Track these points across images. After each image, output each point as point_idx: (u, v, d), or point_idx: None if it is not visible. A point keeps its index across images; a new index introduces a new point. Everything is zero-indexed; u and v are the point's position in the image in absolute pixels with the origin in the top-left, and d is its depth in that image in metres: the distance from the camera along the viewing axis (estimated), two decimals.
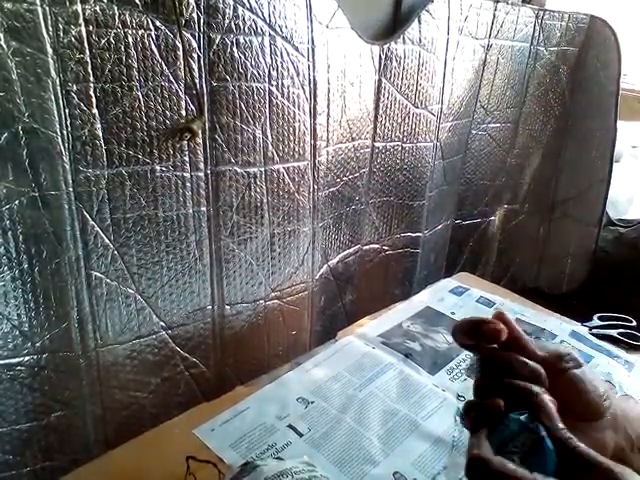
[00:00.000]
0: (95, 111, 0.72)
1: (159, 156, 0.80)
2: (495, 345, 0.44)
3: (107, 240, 0.79)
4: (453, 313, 1.04)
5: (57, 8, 0.66)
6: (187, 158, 0.83)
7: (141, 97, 0.76)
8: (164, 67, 0.76)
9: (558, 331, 0.99)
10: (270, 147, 0.92)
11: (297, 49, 0.90)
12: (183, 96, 0.80)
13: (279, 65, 0.88)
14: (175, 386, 0.95)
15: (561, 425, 0.38)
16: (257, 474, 0.54)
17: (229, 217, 0.91)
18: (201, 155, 0.85)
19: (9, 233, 0.71)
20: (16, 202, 0.70)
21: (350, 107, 1.05)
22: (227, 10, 0.79)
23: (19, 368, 0.78)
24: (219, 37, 0.80)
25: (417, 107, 1.19)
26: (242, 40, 0.83)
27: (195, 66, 0.79)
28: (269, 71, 0.87)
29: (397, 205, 1.27)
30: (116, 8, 0.70)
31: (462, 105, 1.31)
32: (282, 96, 0.91)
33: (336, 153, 1.06)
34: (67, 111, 0.70)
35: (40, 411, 0.82)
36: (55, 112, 0.69)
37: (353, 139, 1.09)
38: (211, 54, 0.80)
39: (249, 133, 0.89)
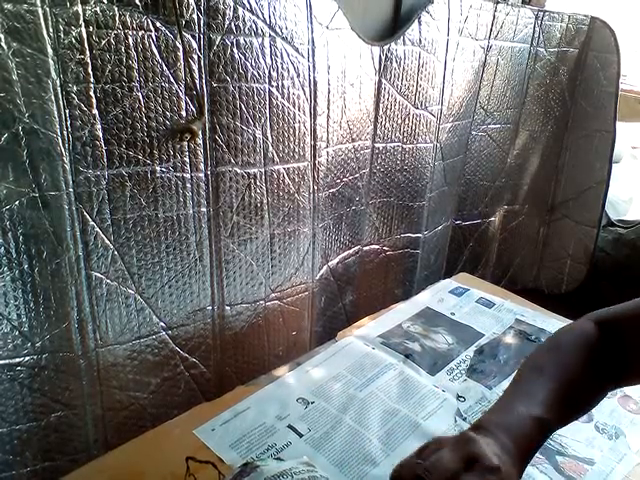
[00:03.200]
0: (95, 112, 0.73)
1: (159, 157, 0.80)
2: None
3: (107, 240, 0.80)
4: (453, 314, 1.04)
5: (57, 9, 0.66)
6: (187, 159, 0.83)
7: (141, 98, 0.76)
8: (164, 68, 0.77)
9: None
10: (270, 148, 0.92)
11: (297, 50, 0.90)
12: (183, 97, 0.80)
13: (279, 66, 0.88)
14: (175, 386, 0.95)
15: None
16: (257, 474, 0.54)
17: (229, 218, 0.91)
18: (201, 156, 0.85)
19: (9, 233, 0.71)
20: (16, 202, 0.70)
21: (350, 108, 1.06)
22: (227, 11, 0.80)
23: (19, 368, 0.78)
24: (219, 38, 0.80)
25: (417, 108, 1.19)
26: (242, 41, 0.83)
27: (195, 67, 0.79)
28: (269, 72, 0.87)
29: (397, 206, 1.27)
30: (116, 9, 0.70)
31: (462, 106, 1.31)
32: (282, 97, 0.91)
33: (336, 154, 1.06)
34: (67, 112, 0.70)
35: (40, 411, 0.82)
36: (55, 113, 0.69)
37: (353, 140, 1.10)
38: (211, 55, 0.80)
39: (249, 134, 0.89)
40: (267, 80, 0.88)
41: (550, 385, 0.55)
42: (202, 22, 0.78)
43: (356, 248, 1.23)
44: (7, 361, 0.77)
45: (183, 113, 0.80)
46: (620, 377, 0.58)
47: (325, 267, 1.15)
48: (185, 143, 0.82)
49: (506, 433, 0.49)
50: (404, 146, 1.21)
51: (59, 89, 0.69)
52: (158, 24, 0.74)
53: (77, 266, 0.78)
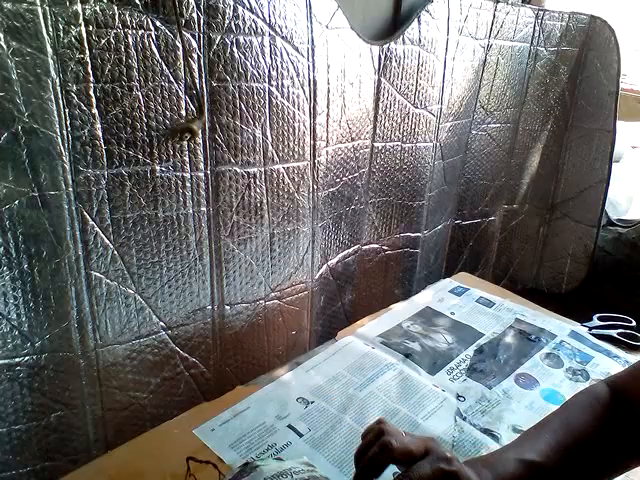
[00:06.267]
0: (95, 111, 0.72)
1: (159, 156, 0.80)
2: None
3: (107, 240, 0.79)
4: (453, 313, 1.04)
5: (57, 8, 0.66)
6: (187, 158, 0.83)
7: (141, 97, 0.76)
8: (164, 67, 0.76)
9: (558, 331, 0.99)
10: (270, 147, 0.92)
11: (297, 49, 0.90)
12: (183, 96, 0.80)
13: (279, 65, 0.88)
14: (175, 386, 0.95)
15: None
16: (257, 474, 0.54)
17: (229, 217, 0.91)
18: (201, 155, 0.85)
19: (9, 233, 0.71)
20: (16, 202, 0.70)
21: (350, 107, 1.05)
22: (227, 10, 0.79)
23: (19, 368, 0.78)
24: (219, 37, 0.80)
25: (417, 107, 1.19)
26: (242, 40, 0.83)
27: (195, 66, 0.79)
28: (269, 71, 0.87)
29: (397, 205, 1.27)
30: (116, 8, 0.70)
31: (462, 105, 1.31)
32: (282, 96, 0.91)
33: (336, 153, 1.06)
34: (67, 111, 0.70)
35: (40, 411, 0.82)
36: (55, 112, 0.69)
37: (353, 139, 1.09)
38: (211, 54, 0.80)
39: (249, 133, 0.89)
40: (267, 79, 0.88)
41: (549, 437, 0.54)
42: (202, 21, 0.78)
43: (355, 247, 1.23)
44: (7, 361, 0.77)
45: (183, 112, 0.80)
46: None
47: (325, 266, 1.15)
48: (185, 142, 0.82)
49: (490, 469, 0.50)
50: (404, 145, 1.21)
51: (59, 88, 0.69)
52: (158, 23, 0.74)
53: (77, 266, 0.78)
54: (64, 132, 0.71)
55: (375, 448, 0.50)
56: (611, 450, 0.54)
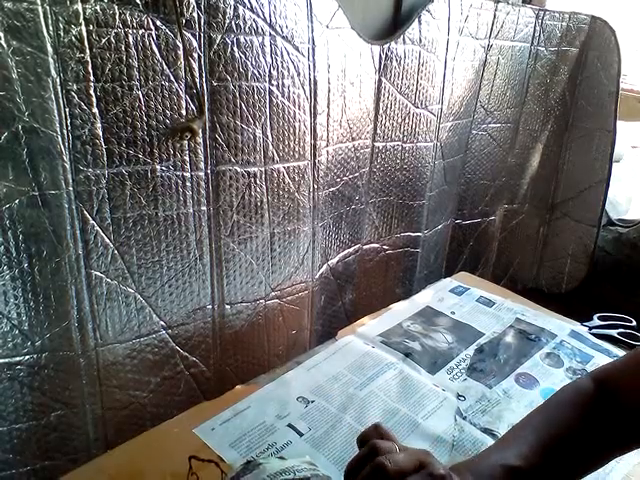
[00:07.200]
0: (95, 110, 0.72)
1: (159, 155, 0.80)
2: None
3: (107, 239, 0.79)
4: (453, 313, 1.04)
5: (57, 7, 0.66)
6: (187, 157, 0.83)
7: (141, 96, 0.76)
8: (164, 66, 0.77)
9: (558, 331, 0.99)
10: (270, 147, 0.92)
11: (297, 49, 0.90)
12: (183, 95, 0.80)
13: (279, 65, 0.88)
14: (175, 385, 0.95)
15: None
16: (260, 471, 0.54)
17: (229, 216, 0.91)
18: (201, 154, 0.85)
19: (9, 232, 0.71)
20: (16, 201, 0.70)
21: (350, 107, 1.05)
22: (228, 10, 0.79)
23: (19, 367, 0.78)
24: (220, 37, 0.80)
25: (417, 107, 1.19)
26: (242, 40, 0.83)
27: (195, 66, 0.79)
28: (269, 71, 0.87)
29: (397, 205, 1.27)
30: (116, 8, 0.70)
31: (462, 105, 1.31)
32: (282, 96, 0.91)
33: (336, 153, 1.06)
34: (67, 110, 0.70)
35: (40, 410, 0.82)
36: (55, 111, 0.69)
37: (353, 139, 1.09)
38: (211, 54, 0.80)
39: (249, 133, 0.89)
40: (267, 79, 0.88)
41: (531, 437, 0.55)
42: (202, 21, 0.78)
43: (356, 247, 1.23)
44: (7, 360, 0.77)
45: (183, 112, 0.80)
46: (625, 441, 0.56)
47: (325, 266, 1.15)
48: (185, 142, 0.82)
49: (474, 476, 0.51)
50: (404, 145, 1.21)
51: (59, 88, 0.69)
52: (158, 23, 0.74)
53: (77, 265, 0.78)
54: (64, 131, 0.71)
55: (368, 469, 0.48)
56: (595, 443, 0.55)
